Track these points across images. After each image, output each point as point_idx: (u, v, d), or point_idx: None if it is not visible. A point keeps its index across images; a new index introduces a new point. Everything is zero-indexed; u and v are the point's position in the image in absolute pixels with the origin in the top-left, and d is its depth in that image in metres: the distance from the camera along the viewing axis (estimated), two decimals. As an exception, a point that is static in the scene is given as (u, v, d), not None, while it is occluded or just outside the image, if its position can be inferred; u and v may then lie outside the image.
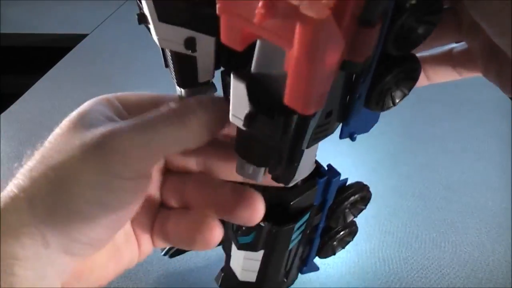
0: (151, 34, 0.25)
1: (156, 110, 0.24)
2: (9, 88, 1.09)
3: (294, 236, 0.28)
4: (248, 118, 0.20)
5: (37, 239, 0.21)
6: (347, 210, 0.32)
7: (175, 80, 0.27)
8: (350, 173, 0.30)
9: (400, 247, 0.47)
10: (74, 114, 0.25)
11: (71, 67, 0.93)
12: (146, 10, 0.24)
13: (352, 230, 0.35)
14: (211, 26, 0.24)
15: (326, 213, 0.31)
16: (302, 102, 0.16)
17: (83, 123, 0.24)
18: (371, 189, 0.32)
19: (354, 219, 0.34)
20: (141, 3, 0.24)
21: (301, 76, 0.16)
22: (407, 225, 0.50)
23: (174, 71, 0.26)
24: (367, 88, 0.22)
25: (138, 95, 0.28)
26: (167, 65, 0.27)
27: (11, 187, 0.22)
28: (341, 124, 0.24)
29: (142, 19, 0.25)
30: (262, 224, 0.27)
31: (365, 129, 0.26)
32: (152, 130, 0.23)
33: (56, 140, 0.24)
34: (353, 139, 0.26)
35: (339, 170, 0.29)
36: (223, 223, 0.28)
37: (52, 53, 0.98)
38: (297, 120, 0.19)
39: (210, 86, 0.27)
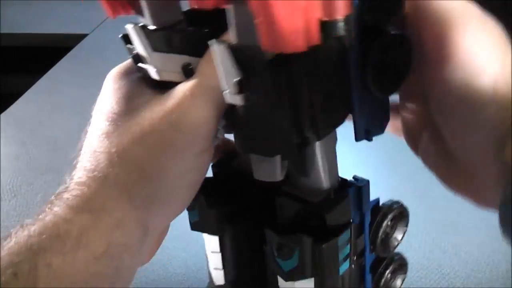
0: (148, 74, 0.25)
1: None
2: (9, 88, 1.08)
3: (340, 256, 0.27)
4: (239, 83, 0.20)
5: (139, 227, 0.23)
6: (389, 232, 0.30)
7: None
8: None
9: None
10: (110, 98, 0.25)
11: (71, 67, 0.93)
12: (139, 47, 0.24)
13: (402, 262, 0.33)
14: (202, 49, 0.24)
15: (368, 235, 0.29)
16: (274, 39, 0.17)
17: (131, 102, 0.24)
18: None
19: (401, 254, 0.32)
20: (132, 44, 0.24)
21: (262, 12, 0.16)
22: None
23: None
24: (359, 67, 0.22)
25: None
26: None
27: (99, 185, 0.23)
28: (353, 126, 0.24)
29: (137, 59, 0.25)
30: (302, 237, 0.25)
31: (379, 127, 0.26)
32: (209, 91, 0.23)
33: (114, 127, 0.24)
34: (369, 139, 0.25)
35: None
36: (264, 262, 0.27)
37: (52, 53, 0.97)
38: (286, 75, 0.19)
39: None
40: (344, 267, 0.28)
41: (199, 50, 0.23)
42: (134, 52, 0.24)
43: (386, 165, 0.58)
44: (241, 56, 0.20)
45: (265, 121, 0.21)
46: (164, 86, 0.24)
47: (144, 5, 0.23)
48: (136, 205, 0.23)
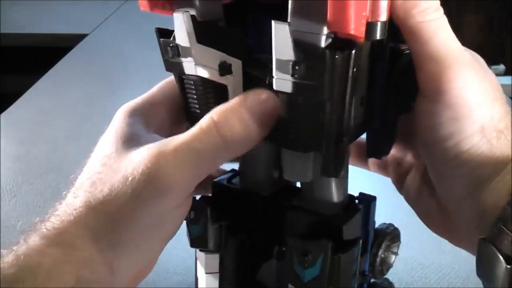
0: (182, 70, 0.24)
1: (190, 132, 0.23)
2: (9, 88, 1.09)
3: (353, 269, 0.27)
4: (293, 65, 0.20)
5: (106, 267, 0.23)
6: (386, 255, 0.31)
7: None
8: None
9: (400, 247, 0.47)
10: (111, 136, 0.26)
11: (71, 67, 0.93)
12: (182, 36, 0.23)
13: (390, 286, 0.34)
14: (239, 49, 0.24)
15: (369, 256, 0.30)
16: (344, 21, 0.19)
17: (123, 145, 0.25)
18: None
19: (388, 279, 0.33)
20: (174, 38, 0.24)
21: None
22: (407, 225, 0.49)
23: (206, 109, 0.25)
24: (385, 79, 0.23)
25: (146, 100, 0.28)
26: (188, 117, 0.26)
27: (70, 222, 0.23)
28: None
29: (175, 51, 0.24)
30: (327, 242, 0.25)
31: (387, 148, 0.27)
32: (195, 155, 0.23)
33: (101, 168, 0.25)
34: (379, 157, 0.27)
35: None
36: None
37: (52, 53, 0.98)
38: (340, 60, 0.20)
39: None
40: (353, 284, 0.28)
41: (237, 50, 0.24)
42: (172, 44, 0.24)
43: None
44: (300, 38, 0.20)
45: (308, 112, 0.22)
46: (164, 133, 0.25)
47: None
48: (102, 247, 0.23)
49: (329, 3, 0.19)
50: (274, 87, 0.21)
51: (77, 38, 1.07)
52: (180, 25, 0.23)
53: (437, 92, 0.22)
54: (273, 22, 0.20)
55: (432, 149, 0.24)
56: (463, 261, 0.45)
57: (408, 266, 0.45)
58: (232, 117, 0.23)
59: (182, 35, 0.23)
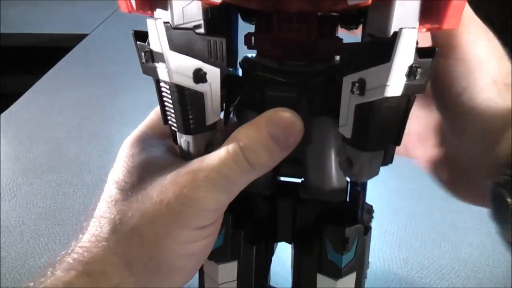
0: (157, 75, 0.24)
1: (218, 155, 0.24)
2: (9, 88, 1.09)
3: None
4: (416, 67, 0.21)
5: None
6: None
7: (179, 128, 0.25)
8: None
9: (400, 247, 0.47)
10: (126, 166, 0.26)
11: (71, 67, 0.93)
12: (155, 43, 0.23)
13: None
14: (217, 57, 0.24)
15: None
16: (458, 18, 0.20)
17: (144, 173, 0.25)
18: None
19: None
20: (148, 44, 0.24)
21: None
22: (407, 225, 0.50)
23: (180, 115, 0.25)
24: None
25: (149, 127, 0.29)
26: (166, 121, 0.26)
27: (99, 251, 0.23)
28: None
29: (149, 57, 0.24)
30: (361, 227, 0.27)
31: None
32: (225, 180, 0.23)
33: (125, 197, 0.25)
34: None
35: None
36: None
37: (52, 53, 0.98)
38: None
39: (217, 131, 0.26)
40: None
41: (214, 58, 0.24)
42: (147, 49, 0.24)
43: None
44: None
45: (398, 110, 0.22)
46: (178, 159, 0.25)
47: (171, 1, 0.23)
48: (135, 272, 0.23)
49: (452, 3, 0.20)
50: (387, 94, 0.21)
51: (77, 38, 1.07)
52: (153, 31, 0.23)
53: (449, 47, 0.24)
54: (402, 29, 0.20)
55: (448, 106, 0.25)
56: (463, 261, 0.45)
57: (408, 266, 0.45)
58: (257, 144, 0.23)
59: (155, 41, 0.23)
